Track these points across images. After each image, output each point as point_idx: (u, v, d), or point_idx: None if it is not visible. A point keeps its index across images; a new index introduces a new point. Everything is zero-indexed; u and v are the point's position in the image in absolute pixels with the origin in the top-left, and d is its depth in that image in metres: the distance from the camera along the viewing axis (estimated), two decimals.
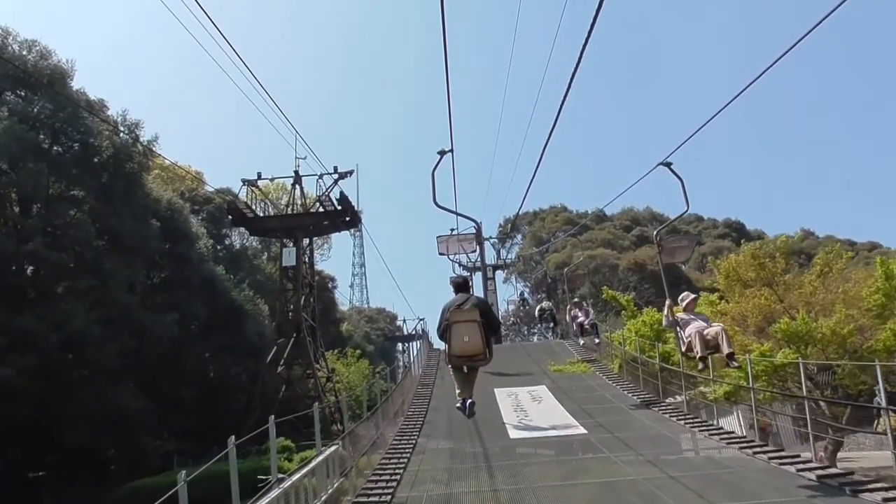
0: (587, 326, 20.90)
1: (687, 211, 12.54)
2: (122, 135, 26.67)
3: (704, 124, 8.93)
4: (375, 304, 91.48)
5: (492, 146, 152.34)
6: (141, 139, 27.36)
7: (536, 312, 26.81)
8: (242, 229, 43.51)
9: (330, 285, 60.83)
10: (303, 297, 33.35)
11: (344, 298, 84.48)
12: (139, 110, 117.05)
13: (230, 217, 35.79)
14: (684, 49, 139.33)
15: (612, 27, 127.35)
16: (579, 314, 21.04)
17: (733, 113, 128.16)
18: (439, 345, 31.77)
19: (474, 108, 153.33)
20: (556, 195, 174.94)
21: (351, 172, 34.41)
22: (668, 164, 11.69)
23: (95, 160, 25.69)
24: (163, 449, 30.86)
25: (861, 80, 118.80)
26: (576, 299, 22.28)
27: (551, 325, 26.12)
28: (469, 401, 8.89)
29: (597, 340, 21.53)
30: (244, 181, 34.04)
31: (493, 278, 35.80)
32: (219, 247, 49.07)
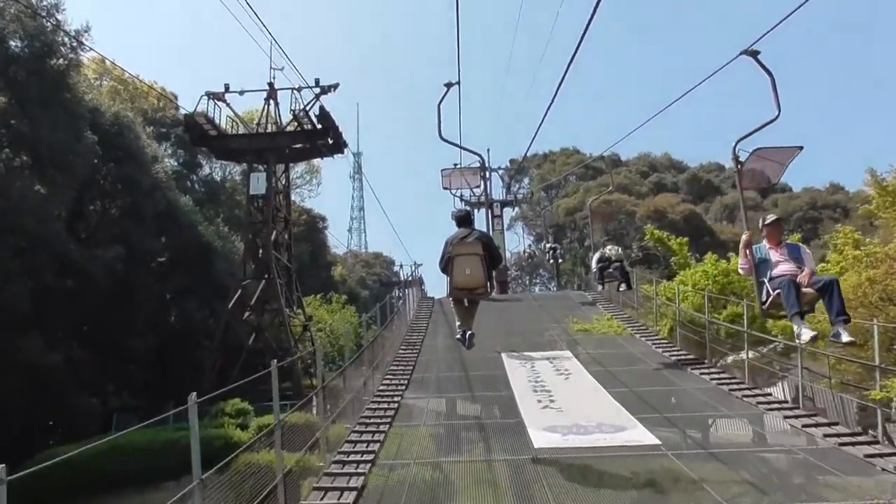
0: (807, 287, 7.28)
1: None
2: (43, 21, 21.12)
3: (717, 70, 9.02)
4: (375, 250, 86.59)
5: (502, 79, 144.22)
6: (66, 27, 21.80)
7: (594, 263, 17.34)
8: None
9: (321, 225, 55.87)
10: (275, 233, 28.25)
11: (340, 242, 79.76)
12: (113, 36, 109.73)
13: (189, 136, 30.22)
14: None
15: None
16: (784, 259, 7.62)
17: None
18: (433, 293, 27.39)
19: (484, 39, 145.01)
20: (568, 139, 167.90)
21: (336, 86, 28.85)
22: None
23: (6, 51, 20.28)
24: (110, 406, 26.47)
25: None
26: (769, 219, 7.92)
27: (621, 284, 16.48)
28: (469, 332, 8.93)
29: (844, 339, 7.09)
30: (208, 94, 28.46)
31: (501, 216, 30.85)
32: (193, 177, 43.96)
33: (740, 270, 8.44)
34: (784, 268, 7.48)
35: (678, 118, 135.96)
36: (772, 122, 8.11)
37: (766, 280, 7.53)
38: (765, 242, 7.70)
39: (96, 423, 22.76)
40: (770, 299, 7.46)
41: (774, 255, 7.58)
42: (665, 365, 12.69)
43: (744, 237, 7.78)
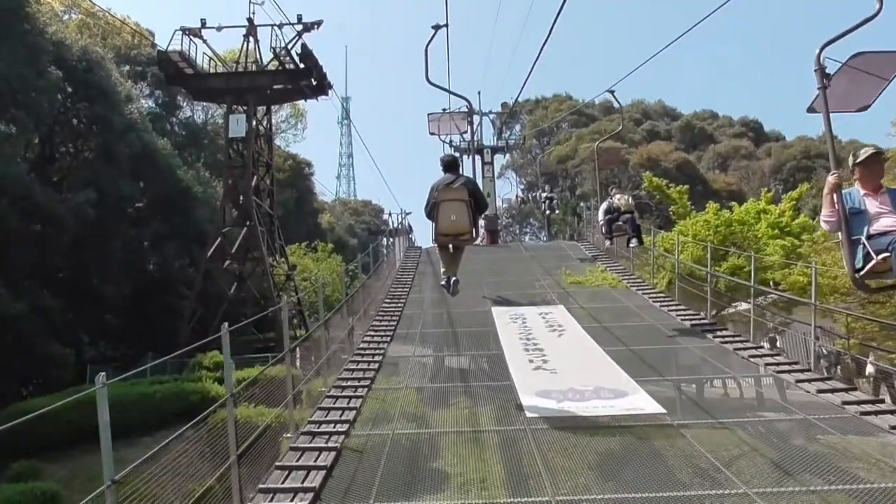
0: None
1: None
2: None
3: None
4: (364, 197, 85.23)
5: (492, 21, 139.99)
6: None
7: (601, 215, 14.96)
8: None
9: (306, 171, 54.43)
10: (256, 178, 27.01)
11: (327, 189, 78.22)
12: None
13: (164, 74, 28.51)
14: None
15: None
16: (887, 211, 5.44)
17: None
18: (421, 242, 26.49)
19: None
20: (561, 84, 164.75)
21: (319, 23, 27.20)
22: None
23: None
24: (86, 356, 25.69)
25: None
26: (864, 154, 5.66)
27: (632, 238, 13.95)
28: (454, 279, 8.91)
29: None
30: (183, 29, 26.72)
31: (492, 163, 29.61)
32: (173, 119, 42.19)
33: (823, 225, 5.72)
34: (888, 222, 5.18)
35: (672, 65, 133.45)
36: (870, 19, 5.56)
37: (862, 238, 5.22)
38: (857, 187, 5.41)
39: (71, 373, 22.02)
40: (871, 265, 5.10)
41: (873, 205, 5.26)
42: (664, 321, 11.95)
43: (830, 179, 5.38)
